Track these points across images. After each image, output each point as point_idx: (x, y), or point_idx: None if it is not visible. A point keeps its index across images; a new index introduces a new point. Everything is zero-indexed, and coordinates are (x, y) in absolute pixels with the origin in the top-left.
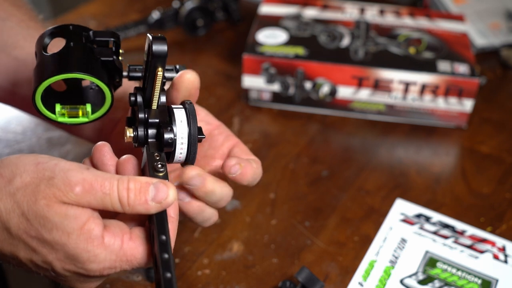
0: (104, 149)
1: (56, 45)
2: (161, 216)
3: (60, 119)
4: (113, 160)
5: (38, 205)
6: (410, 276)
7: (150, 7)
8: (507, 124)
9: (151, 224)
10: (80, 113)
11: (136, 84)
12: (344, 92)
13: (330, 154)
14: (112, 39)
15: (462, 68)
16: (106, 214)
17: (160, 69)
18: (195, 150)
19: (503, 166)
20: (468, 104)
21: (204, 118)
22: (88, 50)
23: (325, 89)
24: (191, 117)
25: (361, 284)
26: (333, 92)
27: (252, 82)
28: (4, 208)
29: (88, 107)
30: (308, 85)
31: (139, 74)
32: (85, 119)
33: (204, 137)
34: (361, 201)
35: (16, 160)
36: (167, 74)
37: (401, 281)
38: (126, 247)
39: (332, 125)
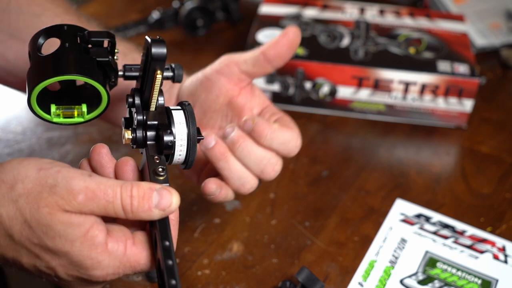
0: (102, 151)
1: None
2: (164, 222)
3: (55, 120)
4: (112, 162)
5: (41, 213)
6: (410, 276)
7: (150, 7)
8: (507, 124)
9: (153, 228)
10: (76, 113)
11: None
12: (344, 92)
13: (330, 154)
14: (107, 39)
15: (462, 68)
16: (107, 217)
17: (159, 71)
18: (194, 152)
19: (503, 166)
20: (468, 104)
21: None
22: (84, 50)
23: (325, 89)
24: (190, 119)
25: (361, 284)
26: (333, 92)
27: None
28: (7, 214)
29: (84, 107)
30: (308, 85)
31: (135, 74)
32: (81, 119)
33: (202, 138)
34: (361, 201)
35: (18, 165)
36: (164, 74)
37: (401, 281)
38: (129, 253)
39: (332, 125)
